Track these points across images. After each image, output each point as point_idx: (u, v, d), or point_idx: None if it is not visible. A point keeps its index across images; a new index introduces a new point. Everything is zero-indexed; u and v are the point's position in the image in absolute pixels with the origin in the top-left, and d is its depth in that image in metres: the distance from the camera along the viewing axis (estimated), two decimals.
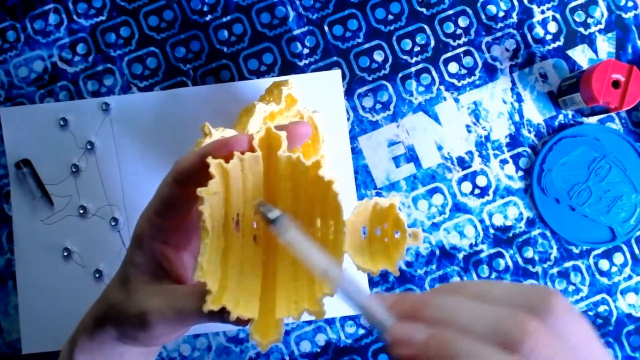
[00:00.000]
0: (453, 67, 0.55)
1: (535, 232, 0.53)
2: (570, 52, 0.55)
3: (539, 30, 0.55)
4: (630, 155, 0.53)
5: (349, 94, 0.55)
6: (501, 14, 0.56)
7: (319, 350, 0.53)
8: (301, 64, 0.55)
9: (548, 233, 0.53)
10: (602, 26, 0.55)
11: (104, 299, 0.33)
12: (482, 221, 0.54)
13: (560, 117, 0.55)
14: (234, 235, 0.29)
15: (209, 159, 0.27)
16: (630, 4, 0.55)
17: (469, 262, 0.53)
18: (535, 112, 0.55)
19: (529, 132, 0.54)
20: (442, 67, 0.55)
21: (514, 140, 0.54)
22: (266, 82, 0.54)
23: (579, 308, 0.53)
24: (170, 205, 0.30)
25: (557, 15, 0.56)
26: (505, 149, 0.54)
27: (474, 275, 0.53)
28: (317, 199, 0.28)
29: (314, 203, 0.28)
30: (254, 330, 0.25)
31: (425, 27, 0.55)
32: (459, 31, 0.55)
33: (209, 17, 0.56)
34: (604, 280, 0.53)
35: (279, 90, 0.48)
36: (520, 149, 0.54)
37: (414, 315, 0.22)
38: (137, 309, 0.30)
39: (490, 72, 0.55)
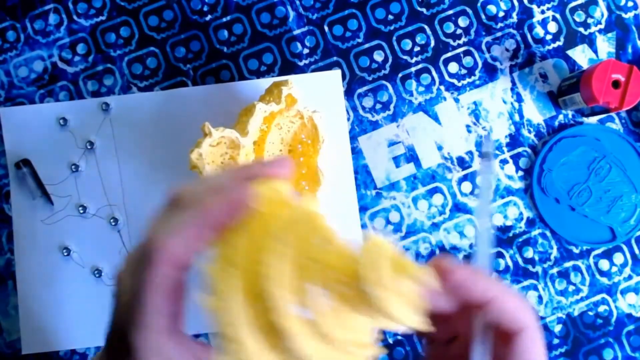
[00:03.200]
0: (453, 67, 0.55)
1: (535, 232, 0.53)
2: (570, 52, 0.55)
3: (539, 30, 0.55)
4: (630, 155, 0.53)
5: (349, 94, 0.55)
6: (501, 14, 0.56)
7: None
8: (301, 64, 0.55)
9: (548, 233, 0.53)
10: (602, 26, 0.55)
11: None
12: None
13: (560, 117, 0.55)
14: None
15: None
16: (630, 4, 0.55)
17: (469, 262, 0.53)
18: (535, 112, 0.55)
19: (529, 132, 0.54)
20: (442, 67, 0.55)
21: (514, 140, 0.54)
22: (266, 82, 0.54)
23: (579, 308, 0.53)
24: (177, 289, 0.25)
25: (557, 15, 0.56)
26: (505, 149, 0.54)
27: None
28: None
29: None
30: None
31: (425, 27, 0.55)
32: (459, 31, 0.55)
33: (209, 17, 0.56)
34: (604, 280, 0.53)
35: (279, 90, 0.48)
36: (520, 149, 0.54)
37: None
38: None
39: (490, 72, 0.55)
